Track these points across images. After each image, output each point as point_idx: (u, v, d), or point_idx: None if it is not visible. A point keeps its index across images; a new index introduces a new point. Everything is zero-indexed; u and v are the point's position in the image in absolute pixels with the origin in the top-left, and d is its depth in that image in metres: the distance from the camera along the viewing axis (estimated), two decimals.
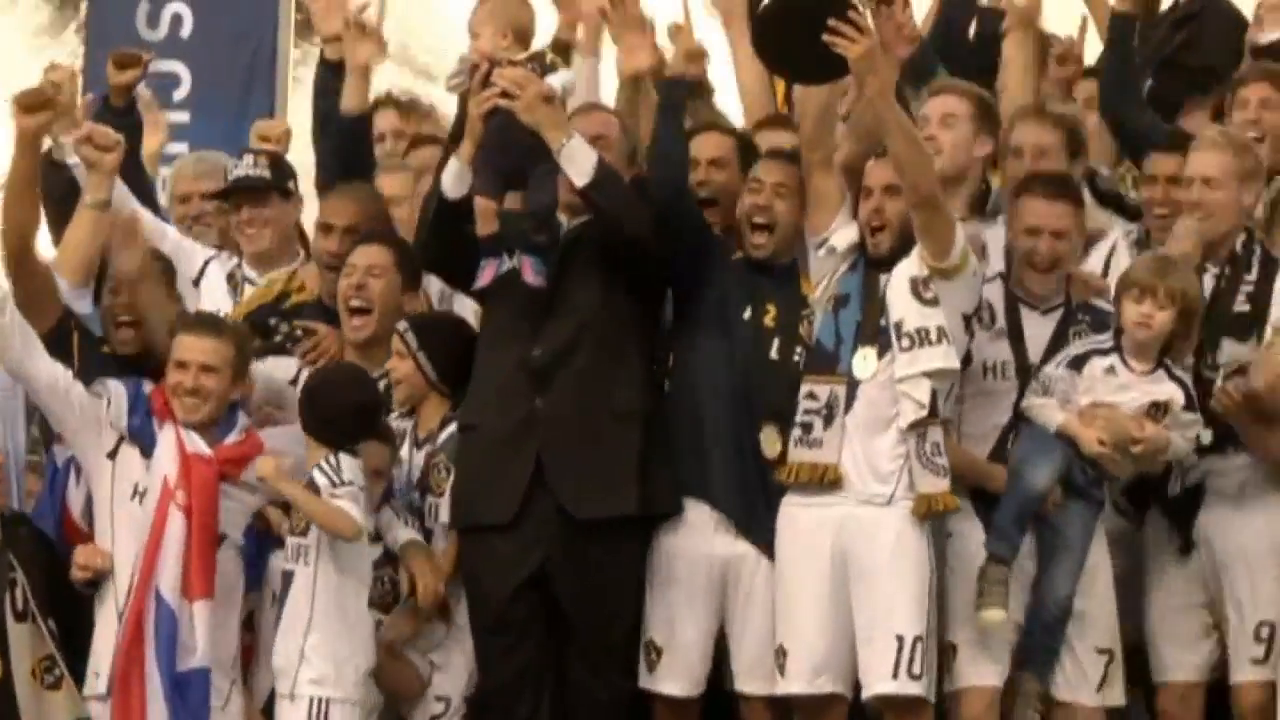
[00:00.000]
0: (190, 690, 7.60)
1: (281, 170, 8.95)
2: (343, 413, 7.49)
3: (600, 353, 7.75)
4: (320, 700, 7.54)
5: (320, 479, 7.19)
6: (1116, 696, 7.60)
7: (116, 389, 7.71)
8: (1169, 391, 7.35)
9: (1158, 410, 7.31)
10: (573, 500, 7.63)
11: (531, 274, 7.52)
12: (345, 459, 7.28)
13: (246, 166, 8.91)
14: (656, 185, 7.82)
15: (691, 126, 8.40)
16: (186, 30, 11.73)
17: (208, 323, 7.77)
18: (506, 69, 7.54)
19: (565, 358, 7.70)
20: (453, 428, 7.80)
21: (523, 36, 7.91)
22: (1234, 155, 7.85)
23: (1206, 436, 7.44)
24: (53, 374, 7.49)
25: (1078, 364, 7.40)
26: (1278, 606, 7.71)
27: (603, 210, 7.58)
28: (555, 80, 7.66)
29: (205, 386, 7.46)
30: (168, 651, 7.50)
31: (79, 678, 7.71)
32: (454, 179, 7.64)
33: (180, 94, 11.37)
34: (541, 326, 7.68)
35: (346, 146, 9.00)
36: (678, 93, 7.94)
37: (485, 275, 7.62)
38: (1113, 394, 7.38)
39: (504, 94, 7.53)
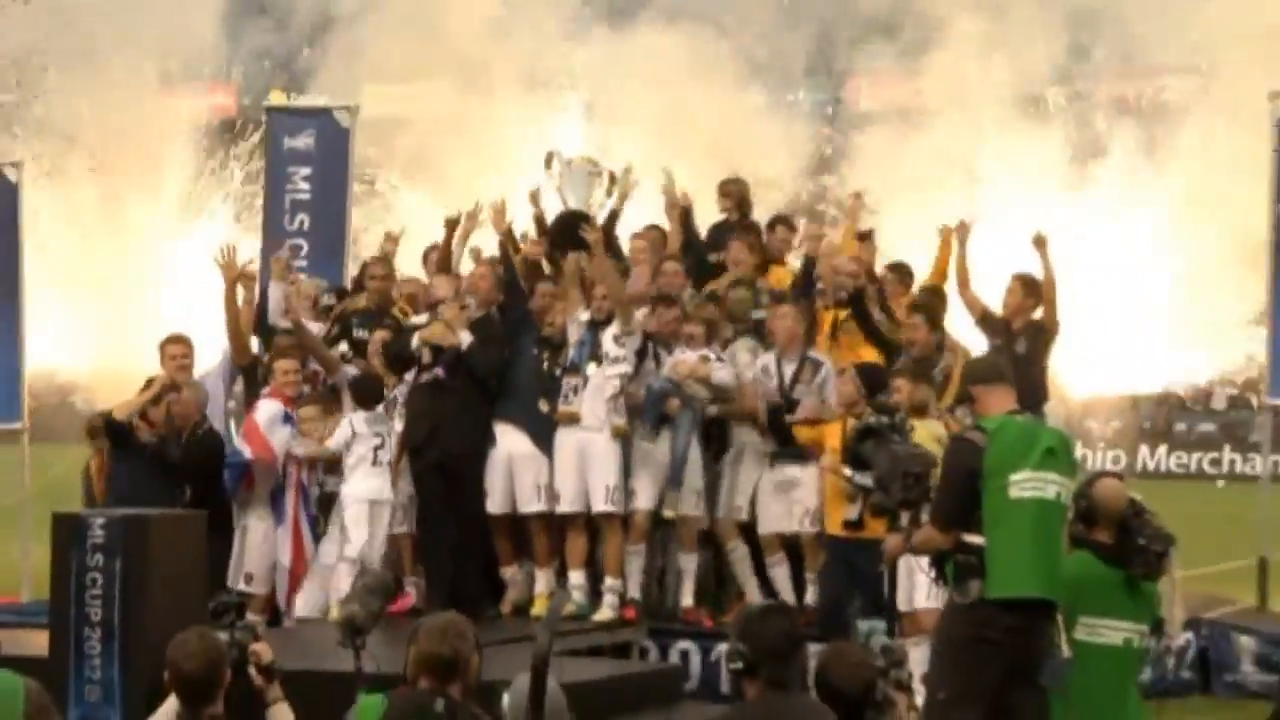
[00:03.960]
0: (313, 522, 13.53)
1: None
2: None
3: (469, 380, 13.64)
4: (369, 503, 13.22)
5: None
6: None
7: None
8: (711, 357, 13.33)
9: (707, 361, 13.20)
10: (451, 442, 13.49)
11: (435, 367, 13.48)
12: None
13: None
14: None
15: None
16: (308, 226, 17.17)
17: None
18: (435, 326, 13.41)
19: (450, 384, 13.56)
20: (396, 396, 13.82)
21: (461, 297, 13.60)
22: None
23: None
24: None
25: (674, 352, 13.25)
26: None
27: (473, 362, 13.43)
28: (465, 336, 13.41)
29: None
30: (309, 506, 13.58)
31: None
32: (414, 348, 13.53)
33: (304, 258, 16.62)
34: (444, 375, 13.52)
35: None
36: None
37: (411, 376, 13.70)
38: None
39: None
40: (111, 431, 13.84)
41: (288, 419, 13.72)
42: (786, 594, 13.58)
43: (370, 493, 13.53)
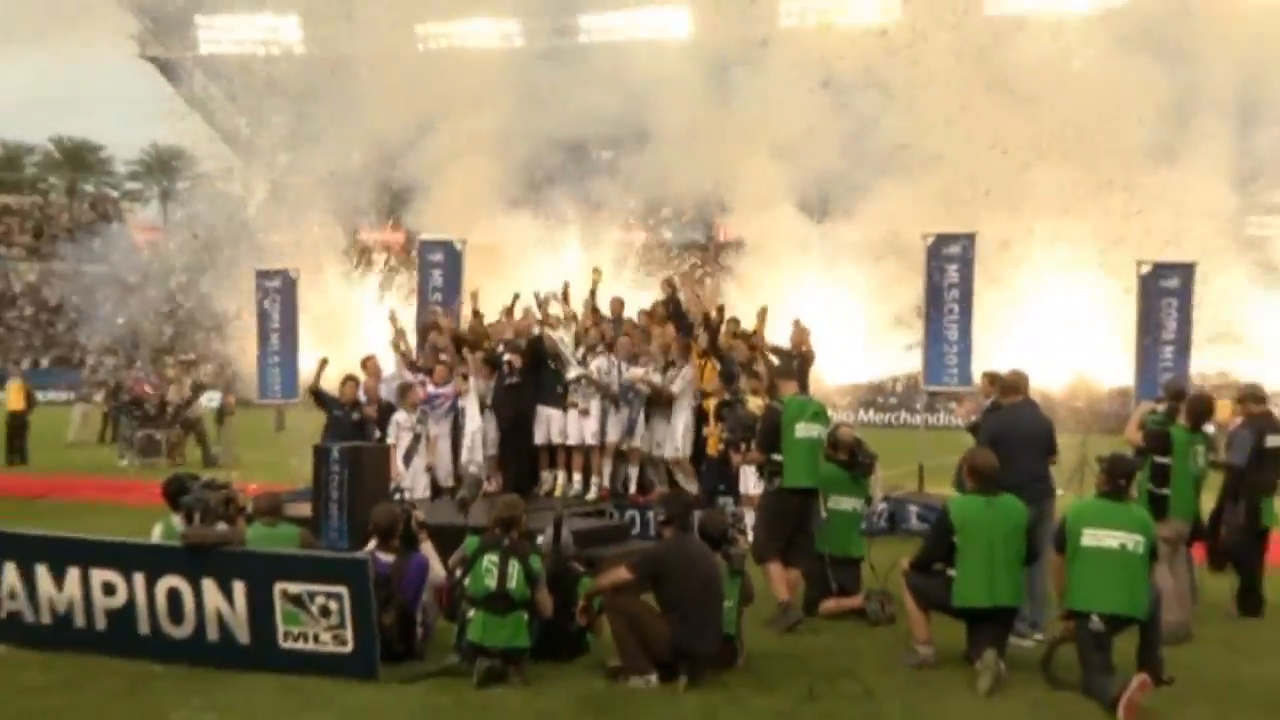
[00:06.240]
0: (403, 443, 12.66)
1: None
2: None
3: (531, 377, 12.81)
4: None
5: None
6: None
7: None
8: (650, 372, 12.67)
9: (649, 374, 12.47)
10: (518, 412, 12.68)
11: (514, 376, 12.64)
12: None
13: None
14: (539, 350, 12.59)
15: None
16: (440, 300, 15.82)
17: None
18: (512, 357, 12.37)
19: (519, 385, 12.72)
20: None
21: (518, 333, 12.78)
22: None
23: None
24: None
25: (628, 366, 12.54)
26: (678, 441, 12.44)
27: (535, 349, 12.69)
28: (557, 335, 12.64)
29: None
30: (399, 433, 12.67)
31: None
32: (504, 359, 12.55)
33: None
34: (519, 375, 12.70)
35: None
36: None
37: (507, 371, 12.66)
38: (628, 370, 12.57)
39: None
40: (317, 398, 13.30)
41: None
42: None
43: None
